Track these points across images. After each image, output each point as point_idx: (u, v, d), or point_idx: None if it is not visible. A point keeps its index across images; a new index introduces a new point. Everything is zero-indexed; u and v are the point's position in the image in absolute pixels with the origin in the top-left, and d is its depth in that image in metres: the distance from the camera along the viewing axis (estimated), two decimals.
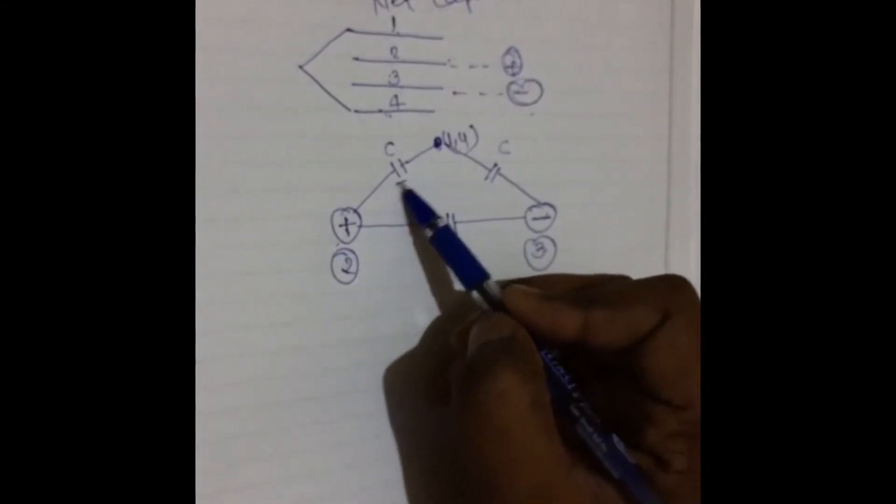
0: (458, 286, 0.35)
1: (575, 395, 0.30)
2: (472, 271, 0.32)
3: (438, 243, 0.33)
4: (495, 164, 0.36)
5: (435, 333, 0.35)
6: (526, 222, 0.37)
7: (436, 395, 0.35)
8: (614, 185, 0.39)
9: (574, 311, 0.30)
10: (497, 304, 0.31)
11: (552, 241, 0.37)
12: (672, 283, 0.31)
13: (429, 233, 0.33)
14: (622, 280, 0.32)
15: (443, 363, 0.34)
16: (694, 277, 0.31)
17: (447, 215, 0.35)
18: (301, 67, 0.32)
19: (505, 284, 0.32)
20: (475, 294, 0.32)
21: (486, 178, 0.36)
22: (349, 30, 0.32)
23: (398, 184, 0.34)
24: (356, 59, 0.33)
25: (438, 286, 0.35)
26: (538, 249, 0.37)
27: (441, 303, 0.35)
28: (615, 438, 0.29)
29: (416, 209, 0.34)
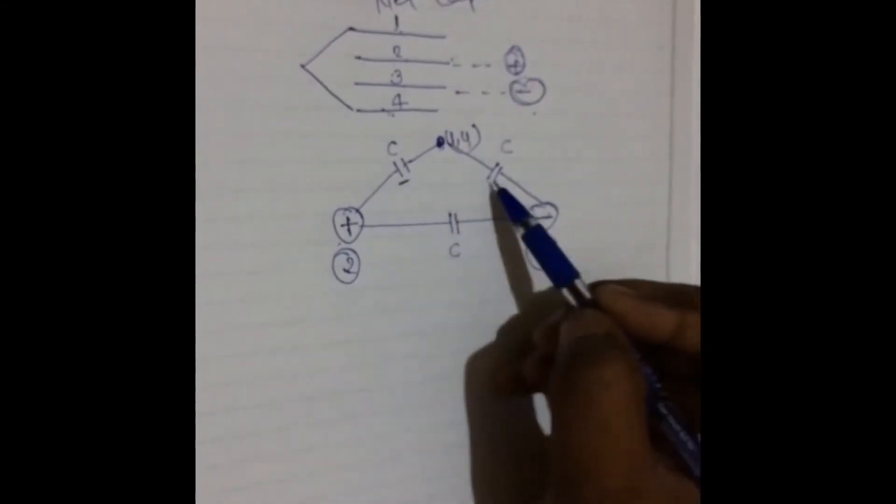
0: (460, 285, 0.35)
1: (663, 393, 0.30)
2: (564, 269, 0.33)
3: (531, 241, 0.34)
4: (497, 164, 0.36)
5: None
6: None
7: (505, 390, 0.36)
8: (616, 185, 0.39)
9: (670, 311, 0.31)
10: (586, 304, 0.32)
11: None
12: None
13: (521, 231, 0.34)
14: None
15: (508, 357, 0.36)
16: (694, 277, 0.31)
17: (449, 215, 0.35)
18: (303, 66, 0.32)
19: (595, 285, 0.33)
20: (565, 292, 0.33)
21: (489, 177, 0.35)
22: (351, 29, 0.32)
23: (492, 181, 0.35)
24: (358, 58, 0.33)
25: (440, 285, 0.35)
26: None
27: (442, 302, 0.35)
28: (700, 438, 0.29)
29: (510, 207, 0.35)
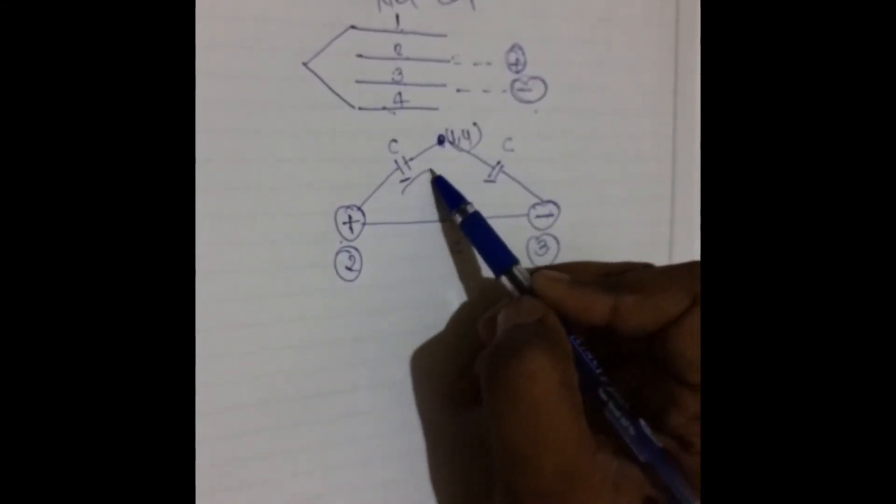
0: (464, 281, 0.35)
1: (603, 379, 0.30)
2: (502, 256, 0.33)
3: (468, 228, 0.33)
4: (498, 162, 0.36)
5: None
6: (529, 220, 0.37)
7: (458, 390, 0.35)
8: (618, 183, 0.39)
9: (604, 295, 0.30)
10: (525, 290, 0.32)
11: (555, 238, 0.37)
12: (699, 269, 0.31)
13: (458, 218, 0.33)
14: (649, 267, 0.33)
15: (468, 358, 0.34)
16: None
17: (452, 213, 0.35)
18: (305, 65, 0.32)
19: (533, 271, 0.32)
20: (504, 279, 0.32)
21: (490, 175, 0.35)
22: (353, 27, 0.32)
23: (428, 169, 0.34)
24: (360, 56, 0.33)
25: (442, 284, 0.35)
26: (541, 247, 0.37)
27: (443, 301, 0.35)
28: (642, 422, 0.29)
29: (447, 195, 0.34)
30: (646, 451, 0.29)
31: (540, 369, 0.27)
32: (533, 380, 0.27)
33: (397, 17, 0.33)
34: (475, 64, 0.35)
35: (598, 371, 0.30)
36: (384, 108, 0.33)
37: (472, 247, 0.35)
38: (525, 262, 0.37)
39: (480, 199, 0.35)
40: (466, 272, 0.35)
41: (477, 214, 0.33)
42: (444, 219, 0.35)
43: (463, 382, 0.35)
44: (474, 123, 0.35)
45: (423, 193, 0.34)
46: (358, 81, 0.33)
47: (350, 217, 0.33)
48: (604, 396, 0.30)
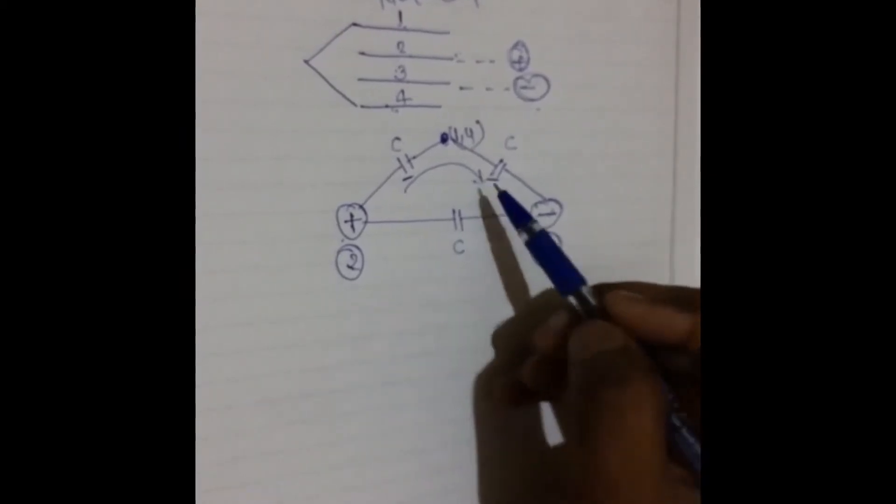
0: (464, 282, 0.35)
1: (675, 405, 0.30)
2: (570, 276, 0.32)
3: (535, 247, 0.33)
4: (501, 160, 0.36)
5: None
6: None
7: (502, 398, 0.35)
8: (620, 181, 0.39)
9: (684, 314, 0.30)
10: (592, 311, 0.31)
11: (558, 236, 0.37)
12: None
13: (525, 236, 0.33)
14: None
15: (504, 366, 0.35)
16: (698, 273, 0.30)
17: (453, 211, 0.35)
18: (307, 62, 0.31)
19: (600, 291, 0.32)
20: (571, 300, 0.32)
21: (492, 173, 0.35)
22: (355, 24, 0.32)
23: (493, 184, 0.35)
24: (362, 53, 0.32)
25: (443, 283, 0.35)
26: None
27: (444, 300, 0.35)
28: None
29: (514, 211, 0.34)
30: None
31: (643, 399, 0.27)
32: (638, 409, 0.27)
33: (400, 14, 0.33)
34: (478, 61, 0.35)
35: (671, 396, 0.30)
36: (387, 106, 0.33)
37: (474, 247, 0.35)
38: (527, 262, 0.37)
39: (483, 197, 0.35)
40: (468, 271, 0.35)
41: (544, 233, 0.33)
42: (449, 218, 0.35)
43: (506, 382, 0.35)
44: (477, 121, 0.35)
45: (425, 192, 0.34)
46: (360, 79, 0.32)
47: (352, 215, 0.33)
48: (677, 422, 0.29)
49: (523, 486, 0.37)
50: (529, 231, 0.33)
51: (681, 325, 0.30)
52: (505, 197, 0.34)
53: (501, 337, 0.36)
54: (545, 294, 0.36)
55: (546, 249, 0.33)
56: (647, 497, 0.27)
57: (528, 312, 0.36)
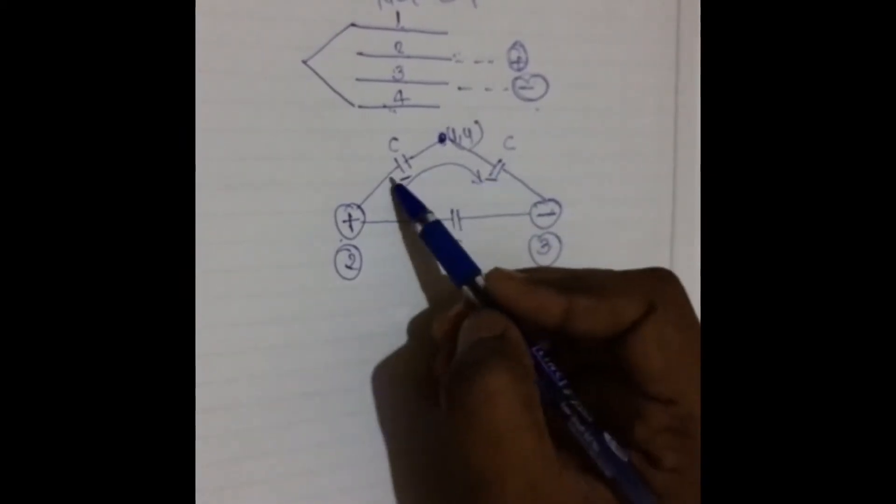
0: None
1: (566, 392, 0.29)
2: (462, 267, 0.32)
3: (428, 238, 0.33)
4: (500, 160, 0.36)
5: (421, 329, 0.34)
6: (531, 218, 0.37)
7: (424, 395, 0.34)
8: (620, 181, 0.39)
9: (557, 296, 0.29)
10: (489, 301, 0.31)
11: (557, 237, 0.37)
12: (658, 276, 0.30)
13: (418, 227, 0.33)
14: (608, 271, 0.32)
15: (429, 359, 0.34)
16: (698, 273, 0.30)
17: (451, 211, 0.35)
18: (305, 62, 0.31)
19: (488, 273, 0.31)
20: (466, 290, 0.32)
21: (491, 173, 0.35)
22: (353, 24, 0.32)
23: (391, 180, 0.34)
24: (360, 53, 0.32)
25: (441, 283, 0.35)
26: (543, 246, 0.37)
27: (442, 300, 0.35)
28: (607, 436, 0.29)
29: (407, 203, 0.33)
30: (610, 465, 0.28)
31: (499, 390, 0.27)
32: (492, 401, 0.26)
33: (398, 14, 0.33)
34: (476, 62, 0.35)
35: (561, 384, 0.29)
36: (385, 107, 0.33)
37: (472, 247, 0.35)
38: (527, 261, 0.37)
39: (482, 197, 0.35)
40: None
41: (438, 224, 0.33)
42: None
43: (428, 382, 0.34)
44: (476, 121, 0.35)
45: (423, 192, 0.34)
46: (358, 79, 0.32)
47: (350, 215, 0.33)
48: (567, 410, 0.29)
49: None
50: (423, 221, 0.33)
51: (553, 306, 0.29)
52: (399, 189, 0.34)
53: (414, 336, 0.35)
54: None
55: (440, 239, 0.33)
56: (520, 489, 0.26)
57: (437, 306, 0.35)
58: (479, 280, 0.31)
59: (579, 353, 0.31)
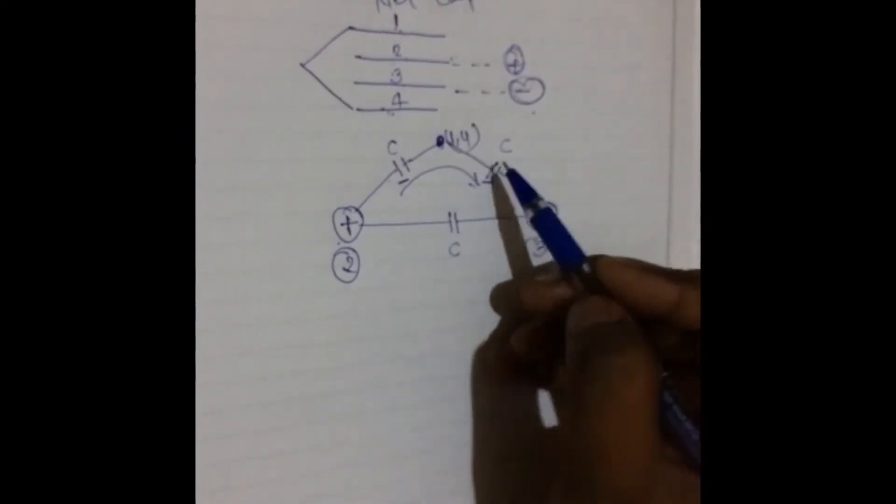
0: (460, 284, 0.35)
1: (669, 382, 0.30)
2: (572, 253, 0.33)
3: (540, 224, 0.34)
4: (496, 163, 0.36)
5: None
6: (527, 221, 0.37)
7: (499, 369, 0.35)
8: (616, 184, 0.39)
9: (669, 284, 0.30)
10: (593, 287, 0.32)
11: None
12: None
13: (530, 213, 0.34)
14: None
15: (495, 336, 0.35)
16: None
17: (449, 214, 0.35)
18: (303, 65, 0.32)
19: (594, 259, 0.32)
20: (574, 276, 0.32)
21: (488, 176, 0.35)
22: (351, 28, 0.32)
23: (498, 166, 0.35)
24: (358, 57, 0.32)
25: (439, 286, 0.35)
26: (539, 248, 0.37)
27: (440, 303, 0.35)
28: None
29: (520, 189, 0.34)
30: None
31: (636, 368, 0.27)
32: (630, 377, 0.27)
33: (396, 17, 0.33)
34: (473, 65, 0.35)
35: (664, 374, 0.30)
36: (383, 110, 0.33)
37: (469, 250, 0.35)
38: (524, 264, 0.37)
39: (479, 199, 0.35)
40: (464, 274, 0.35)
41: (549, 211, 0.34)
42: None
43: (500, 352, 0.35)
44: (473, 124, 0.35)
45: (421, 195, 0.34)
46: (356, 82, 0.33)
47: (348, 218, 0.33)
48: (669, 399, 0.29)
49: (525, 481, 0.37)
50: (535, 208, 0.34)
51: (667, 294, 0.30)
52: (513, 175, 0.34)
53: (499, 308, 0.36)
54: (545, 266, 0.36)
55: (550, 226, 0.34)
56: (638, 470, 0.27)
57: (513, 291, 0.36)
58: (585, 267, 0.32)
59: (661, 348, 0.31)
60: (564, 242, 0.33)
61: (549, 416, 0.38)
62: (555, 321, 0.32)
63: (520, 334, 0.34)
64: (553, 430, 0.38)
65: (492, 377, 0.36)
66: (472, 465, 0.36)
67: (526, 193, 0.34)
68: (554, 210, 0.34)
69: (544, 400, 0.38)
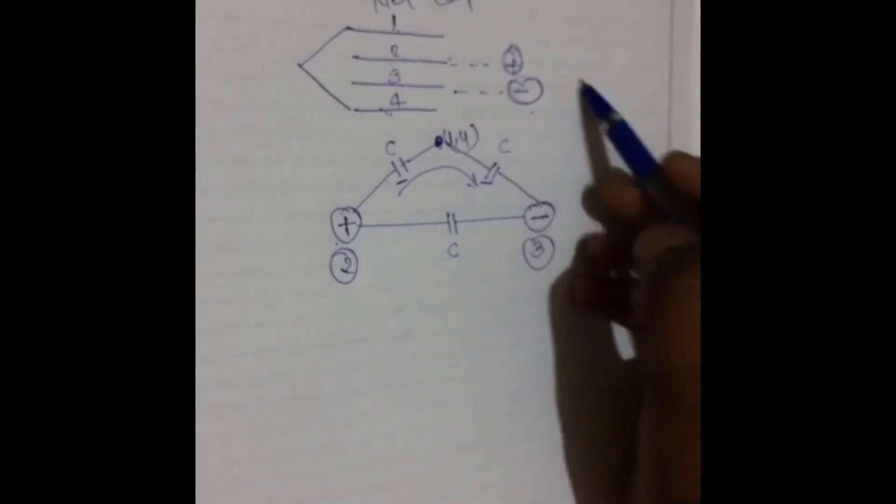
0: (458, 285, 0.35)
1: None
2: (647, 163, 0.35)
3: (615, 137, 0.36)
4: (495, 164, 0.36)
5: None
6: (525, 221, 0.37)
7: (582, 293, 0.37)
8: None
9: None
10: (669, 195, 0.34)
11: (551, 240, 0.37)
12: None
13: (605, 126, 0.35)
14: None
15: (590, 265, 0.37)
16: None
17: (447, 214, 0.35)
18: (300, 66, 0.31)
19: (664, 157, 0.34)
20: (648, 184, 0.34)
21: (486, 177, 0.35)
22: (349, 28, 0.32)
23: (579, 80, 0.37)
24: (356, 57, 0.32)
25: (437, 287, 0.35)
26: (537, 248, 0.37)
27: (438, 304, 0.35)
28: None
29: (595, 103, 0.36)
30: None
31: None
32: (697, 294, 0.28)
33: (394, 17, 0.33)
34: (472, 65, 0.35)
35: None
36: (381, 110, 0.33)
37: (468, 250, 0.35)
38: (521, 264, 0.37)
39: (478, 200, 0.35)
40: (462, 275, 0.35)
41: (623, 123, 0.35)
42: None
43: (585, 283, 0.37)
44: (471, 125, 0.35)
45: (419, 195, 0.34)
46: (354, 83, 0.32)
47: (346, 219, 0.33)
48: None
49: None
50: (610, 121, 0.35)
51: None
52: (588, 90, 0.36)
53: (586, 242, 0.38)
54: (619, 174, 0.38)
55: (625, 138, 0.35)
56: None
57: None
58: (660, 176, 0.34)
59: None
60: (639, 153, 0.35)
61: (546, 416, 0.38)
62: (626, 236, 0.34)
63: (596, 243, 0.37)
64: (629, 362, 0.39)
65: (580, 308, 0.38)
66: (472, 467, 0.36)
67: (601, 107, 0.36)
68: (627, 123, 0.35)
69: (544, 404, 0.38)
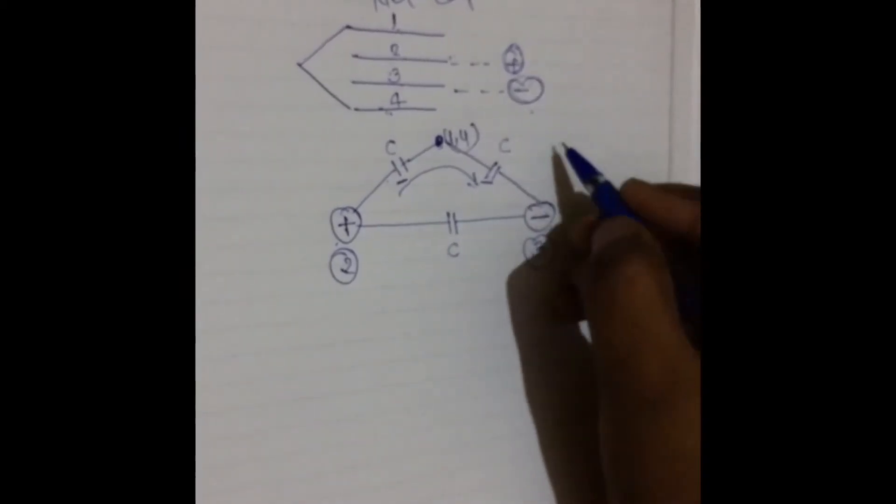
0: (458, 285, 0.35)
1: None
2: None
3: (600, 198, 0.35)
4: (495, 163, 0.36)
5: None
6: (525, 221, 0.37)
7: (561, 306, 0.36)
8: (615, 184, 0.39)
9: (688, 203, 0.32)
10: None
11: (551, 240, 0.37)
12: None
13: (590, 189, 0.35)
14: None
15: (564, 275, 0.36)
16: None
17: (448, 214, 0.35)
18: (300, 65, 0.31)
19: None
20: None
21: (487, 176, 0.35)
22: (349, 27, 0.32)
23: (563, 145, 0.36)
24: (356, 56, 0.32)
25: (437, 287, 0.35)
26: (538, 248, 0.37)
27: (438, 304, 0.35)
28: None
29: (579, 166, 0.36)
30: None
31: (638, 275, 0.28)
32: (632, 285, 0.28)
33: (394, 16, 0.33)
34: (472, 64, 0.35)
35: (691, 277, 0.31)
36: (381, 109, 0.33)
37: (468, 250, 0.35)
38: (522, 264, 0.37)
39: (478, 200, 0.35)
40: (462, 275, 0.35)
41: (607, 184, 0.35)
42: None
43: (562, 297, 0.36)
44: (472, 124, 0.35)
45: (419, 195, 0.34)
46: (354, 82, 0.32)
47: (346, 219, 0.33)
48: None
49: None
50: (595, 183, 0.35)
51: (684, 212, 0.32)
52: (572, 154, 0.36)
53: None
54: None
55: (609, 200, 0.34)
56: (658, 370, 0.28)
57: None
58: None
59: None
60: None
61: (545, 415, 0.38)
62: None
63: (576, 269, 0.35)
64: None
65: (555, 320, 0.37)
66: (471, 467, 0.36)
67: (586, 170, 0.35)
68: (611, 184, 0.35)
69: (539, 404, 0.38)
